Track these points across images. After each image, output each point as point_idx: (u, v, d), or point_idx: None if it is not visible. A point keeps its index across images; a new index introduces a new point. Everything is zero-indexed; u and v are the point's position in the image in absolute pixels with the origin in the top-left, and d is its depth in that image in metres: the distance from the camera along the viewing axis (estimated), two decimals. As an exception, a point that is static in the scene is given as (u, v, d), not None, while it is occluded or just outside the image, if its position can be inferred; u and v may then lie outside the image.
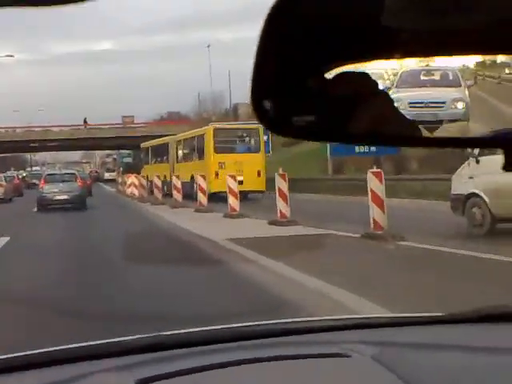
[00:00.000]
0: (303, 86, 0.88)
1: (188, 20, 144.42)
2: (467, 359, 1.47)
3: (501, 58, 0.95)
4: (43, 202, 25.40)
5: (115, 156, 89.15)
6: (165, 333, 1.66)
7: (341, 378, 1.43)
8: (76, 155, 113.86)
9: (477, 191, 11.37)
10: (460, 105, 1.00)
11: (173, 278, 8.23)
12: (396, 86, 0.98)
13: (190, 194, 23.07)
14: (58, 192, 25.46)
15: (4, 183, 35.24)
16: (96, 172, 79.98)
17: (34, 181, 51.97)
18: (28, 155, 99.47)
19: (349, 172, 32.92)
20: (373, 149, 26.07)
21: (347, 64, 0.92)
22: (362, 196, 23.07)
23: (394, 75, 0.98)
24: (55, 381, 1.36)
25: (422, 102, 1.00)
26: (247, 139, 27.95)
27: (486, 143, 1.04)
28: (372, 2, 0.85)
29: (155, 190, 25.85)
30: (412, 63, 0.98)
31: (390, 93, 0.97)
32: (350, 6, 0.85)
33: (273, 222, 14.02)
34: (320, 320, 2.03)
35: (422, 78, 1.00)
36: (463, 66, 0.96)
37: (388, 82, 0.98)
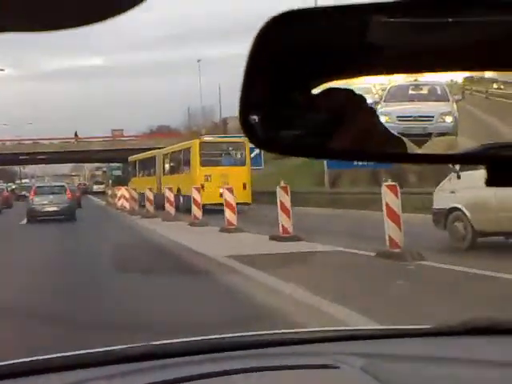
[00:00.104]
0: (291, 102, 0.88)
1: (178, 36, 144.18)
2: (454, 371, 1.52)
3: (488, 74, 0.96)
4: (33, 214, 25.68)
5: (105, 169, 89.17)
6: (155, 342, 1.68)
7: None
8: (65, 168, 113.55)
9: (458, 205, 11.58)
10: (448, 118, 1.01)
11: (171, 304, 7.26)
12: (384, 101, 0.99)
13: (175, 206, 22.75)
14: (47, 204, 25.82)
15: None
16: (84, 185, 79.37)
17: (24, 193, 52.71)
18: (17, 168, 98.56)
19: (344, 185, 32.24)
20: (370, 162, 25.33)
21: (335, 80, 0.93)
22: (364, 210, 22.72)
23: (383, 90, 0.99)
24: None
25: (410, 116, 1.01)
26: (233, 152, 28.33)
27: (470, 159, 1.04)
28: (358, 20, 0.86)
29: (147, 203, 24.92)
30: (400, 78, 0.99)
31: (379, 107, 0.98)
32: (337, 24, 0.87)
33: (274, 238, 13.18)
34: (309, 331, 2.14)
35: (411, 92, 1.01)
36: (451, 80, 0.98)
37: (377, 96, 0.98)
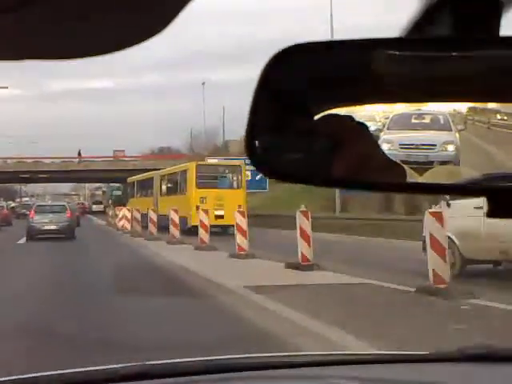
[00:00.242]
0: (294, 129, 0.89)
1: (182, 59, 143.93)
2: None
3: (491, 105, 0.97)
4: (33, 232, 25.78)
5: (105, 189, 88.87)
6: (151, 362, 1.68)
7: None
8: (66, 187, 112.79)
9: (448, 233, 11.29)
10: (451, 147, 1.02)
11: (194, 350, 5.96)
12: (388, 128, 0.99)
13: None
14: (47, 222, 26.07)
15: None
16: (83, 204, 78.45)
17: (24, 211, 53.35)
18: (18, 186, 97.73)
19: (355, 210, 31.12)
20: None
21: (338, 107, 0.95)
22: (379, 237, 21.58)
23: (386, 118, 0.99)
24: None
25: (412, 144, 1.02)
26: (229, 175, 28.74)
27: (470, 191, 1.04)
28: (361, 53, 0.89)
29: (150, 225, 23.80)
30: (403, 106, 1.00)
31: (382, 134, 0.98)
32: (341, 57, 0.90)
33: (292, 266, 11.97)
34: (308, 355, 2.19)
35: (413, 121, 1.02)
36: (454, 110, 0.98)
37: (380, 123, 0.99)
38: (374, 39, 0.88)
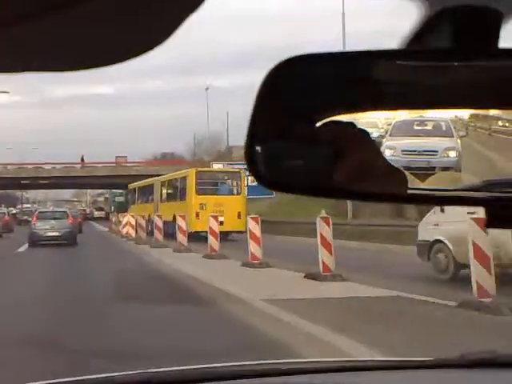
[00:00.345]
0: (296, 136, 0.88)
1: (186, 65, 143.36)
2: None
3: (492, 111, 0.98)
4: (35, 238, 25.75)
5: (107, 195, 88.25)
6: (151, 370, 1.68)
7: None
8: (67, 193, 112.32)
9: (441, 238, 11.97)
10: (452, 153, 1.03)
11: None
12: (390, 135, 1.00)
13: (171, 234, 22.54)
14: (49, 229, 26.08)
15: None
16: (84, 211, 77.96)
17: (25, 217, 53.75)
18: (19, 192, 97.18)
19: (365, 216, 30.35)
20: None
21: (340, 115, 0.94)
22: (395, 244, 20.71)
23: (388, 124, 1.00)
24: None
25: (415, 150, 1.04)
26: (229, 182, 28.97)
27: (470, 202, 1.03)
28: (363, 62, 0.90)
29: (156, 232, 22.99)
30: (405, 113, 1.01)
31: (384, 141, 1.00)
32: (342, 66, 0.91)
33: (312, 276, 11.19)
34: (314, 362, 2.15)
35: (415, 127, 1.03)
36: (455, 116, 0.99)
37: (382, 130, 1.00)
38: (375, 50, 0.88)
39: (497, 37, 0.85)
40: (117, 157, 66.98)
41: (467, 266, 10.70)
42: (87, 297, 10.41)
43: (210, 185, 28.35)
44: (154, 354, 5.60)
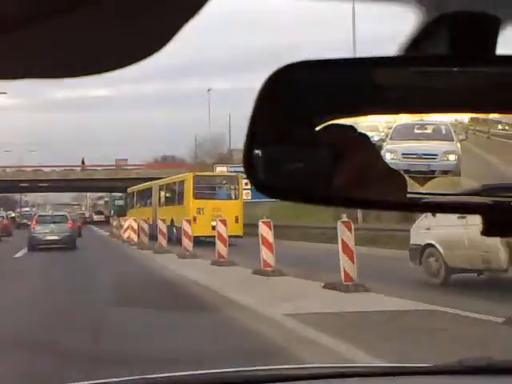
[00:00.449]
0: (295, 141, 0.88)
1: (187, 68, 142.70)
2: None
3: (493, 115, 0.99)
4: (34, 242, 25.80)
5: (107, 199, 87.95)
6: (150, 376, 1.69)
7: None
8: (67, 196, 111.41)
9: (433, 242, 12.02)
10: (452, 157, 1.04)
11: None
12: (391, 138, 1.01)
13: (169, 238, 22.73)
14: (48, 232, 26.08)
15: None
16: (83, 214, 77.51)
17: (25, 221, 53.59)
18: (18, 196, 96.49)
19: (371, 220, 29.54)
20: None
21: (339, 119, 0.94)
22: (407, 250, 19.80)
23: (389, 128, 1.01)
24: None
25: (415, 154, 1.05)
26: (226, 186, 29.12)
27: (466, 210, 1.05)
28: (361, 69, 0.91)
29: (160, 236, 22.14)
30: (406, 117, 1.02)
31: (385, 144, 1.01)
32: (341, 73, 0.91)
33: (332, 286, 10.37)
34: (315, 367, 2.12)
35: (416, 131, 1.04)
36: (455, 120, 1.00)
37: (383, 134, 1.01)
38: (373, 57, 0.89)
39: (494, 41, 0.85)
40: (117, 160, 66.42)
41: (458, 270, 11.64)
42: (90, 306, 9.57)
43: (208, 189, 28.50)
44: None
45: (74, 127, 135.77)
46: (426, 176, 1.00)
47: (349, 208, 1.16)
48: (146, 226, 25.87)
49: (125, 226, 30.59)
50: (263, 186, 0.89)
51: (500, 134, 0.99)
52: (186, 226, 19.38)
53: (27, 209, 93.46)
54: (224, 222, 16.69)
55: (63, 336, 7.22)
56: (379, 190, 0.87)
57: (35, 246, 25.38)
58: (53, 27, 0.56)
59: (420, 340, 6.31)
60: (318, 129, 0.90)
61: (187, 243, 18.99)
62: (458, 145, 1.01)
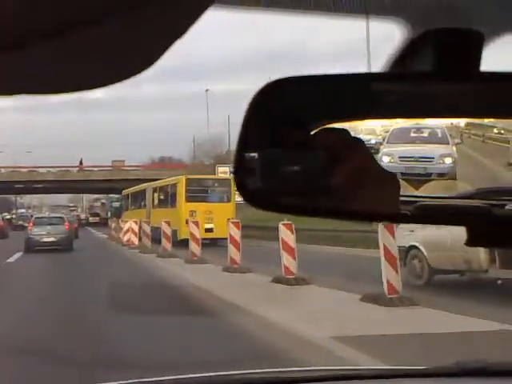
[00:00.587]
0: (288, 143, 0.87)
1: (185, 69, 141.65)
2: None
3: (488, 119, 1.01)
4: (31, 244, 25.93)
5: (103, 200, 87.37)
6: (146, 379, 1.68)
7: None
8: (63, 198, 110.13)
9: (416, 244, 12.14)
10: (448, 160, 1.06)
11: None
12: (387, 142, 1.01)
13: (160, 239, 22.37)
14: (45, 234, 26.24)
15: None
16: (78, 216, 76.52)
17: (20, 223, 53.48)
18: (14, 197, 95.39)
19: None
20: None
21: (337, 122, 0.94)
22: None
23: (386, 132, 1.02)
24: None
25: (411, 157, 1.08)
26: (218, 189, 29.35)
27: (451, 221, 1.05)
28: (350, 83, 0.91)
29: (163, 240, 20.84)
30: (402, 120, 1.04)
31: (381, 147, 1.01)
32: (329, 86, 0.91)
33: (371, 298, 9.03)
34: (315, 370, 2.10)
35: (412, 135, 1.06)
36: (451, 124, 1.02)
37: (380, 137, 1.01)
38: (359, 74, 0.89)
39: (479, 58, 0.86)
40: (113, 161, 65.67)
41: (441, 272, 11.93)
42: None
43: (200, 192, 28.69)
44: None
45: (71, 128, 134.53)
46: (422, 179, 1.02)
47: (344, 220, 0.84)
48: (148, 229, 24.55)
49: (124, 229, 29.23)
50: (252, 197, 0.87)
51: (495, 137, 1.01)
52: (193, 229, 17.96)
53: (23, 210, 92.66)
54: (237, 224, 15.21)
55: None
56: (373, 196, 0.86)
57: (32, 247, 25.55)
58: (51, 47, 0.58)
59: None
60: (312, 133, 0.89)
61: (195, 247, 17.62)
62: (454, 148, 1.02)
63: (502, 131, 0.99)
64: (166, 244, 20.90)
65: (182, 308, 9.97)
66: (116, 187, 56.09)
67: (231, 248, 14.75)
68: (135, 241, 26.73)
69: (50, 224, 27.03)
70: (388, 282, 8.94)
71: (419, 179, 1.01)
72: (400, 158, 1.03)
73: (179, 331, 7.70)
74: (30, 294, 12.31)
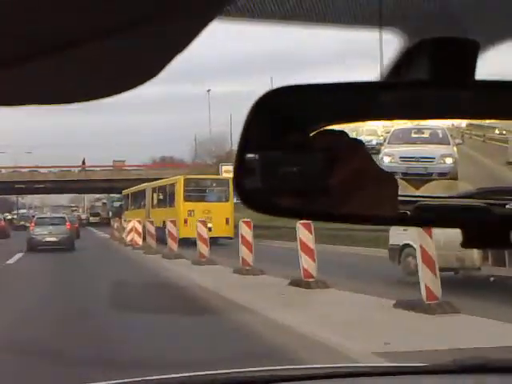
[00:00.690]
0: (287, 146, 0.86)
1: (187, 70, 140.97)
2: None
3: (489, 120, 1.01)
4: (33, 244, 26.37)
5: (105, 200, 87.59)
6: (149, 378, 1.65)
7: None
8: (64, 198, 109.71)
9: (410, 242, 11.90)
10: (449, 160, 1.05)
11: None
12: (388, 142, 1.00)
13: (161, 239, 22.55)
14: (47, 234, 26.62)
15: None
16: (80, 216, 76.74)
17: (22, 223, 54.29)
18: (15, 198, 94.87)
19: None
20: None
21: (338, 124, 0.93)
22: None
23: (387, 132, 1.01)
24: None
25: (412, 157, 1.08)
26: (217, 189, 29.60)
27: (448, 224, 1.02)
28: (345, 91, 0.90)
29: (169, 240, 20.06)
30: (403, 121, 1.03)
31: (383, 148, 1.00)
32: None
33: (406, 305, 8.18)
34: (316, 368, 2.06)
35: (413, 135, 1.07)
36: (452, 125, 1.01)
37: (381, 138, 1.00)
38: (358, 82, 0.88)
39: (475, 67, 0.85)
40: (114, 161, 65.39)
41: None
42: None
43: (198, 192, 28.98)
44: None
45: (72, 128, 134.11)
46: (423, 178, 1.01)
47: (343, 223, 0.76)
48: (152, 228, 23.65)
49: (128, 228, 28.19)
50: (251, 199, 0.87)
51: (495, 138, 0.99)
52: (200, 229, 17.07)
53: (24, 211, 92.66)
54: (248, 223, 14.29)
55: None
56: (372, 197, 0.84)
57: (34, 247, 25.93)
58: (53, 62, 0.58)
59: None
60: (311, 135, 0.88)
61: (203, 248, 16.74)
62: (455, 148, 1.01)
63: (504, 132, 0.99)
64: (172, 244, 20.07)
65: (195, 311, 9.31)
66: (117, 187, 55.89)
67: (243, 249, 13.89)
68: (139, 241, 25.82)
69: (52, 224, 27.31)
70: (426, 286, 8.05)
71: (420, 179, 1.00)
72: (401, 158, 1.03)
73: (204, 342, 7.08)
74: (30, 294, 11.95)
